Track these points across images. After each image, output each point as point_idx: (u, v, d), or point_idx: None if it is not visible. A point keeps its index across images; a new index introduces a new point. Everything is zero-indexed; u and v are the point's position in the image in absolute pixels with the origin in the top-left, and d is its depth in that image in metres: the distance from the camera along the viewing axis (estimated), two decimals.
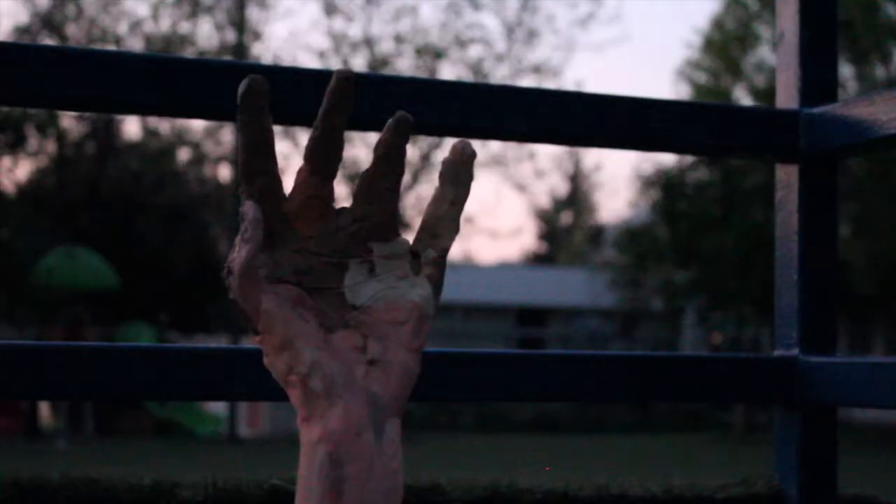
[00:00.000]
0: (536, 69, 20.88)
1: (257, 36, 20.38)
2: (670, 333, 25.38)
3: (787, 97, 1.79)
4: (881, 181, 18.24)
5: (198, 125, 21.21)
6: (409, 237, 0.92)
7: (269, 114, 0.87)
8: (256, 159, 0.88)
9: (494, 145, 20.37)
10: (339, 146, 0.89)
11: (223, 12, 20.21)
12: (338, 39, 20.06)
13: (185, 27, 20.42)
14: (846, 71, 20.04)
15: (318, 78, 1.50)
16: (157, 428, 17.31)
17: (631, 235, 23.07)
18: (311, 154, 0.89)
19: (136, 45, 19.95)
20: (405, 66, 20.10)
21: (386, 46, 20.38)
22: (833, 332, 1.76)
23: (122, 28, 20.18)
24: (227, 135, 20.71)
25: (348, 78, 0.88)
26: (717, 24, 22.22)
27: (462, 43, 20.55)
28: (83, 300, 17.33)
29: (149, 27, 20.29)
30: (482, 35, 21.96)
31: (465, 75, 20.46)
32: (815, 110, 1.74)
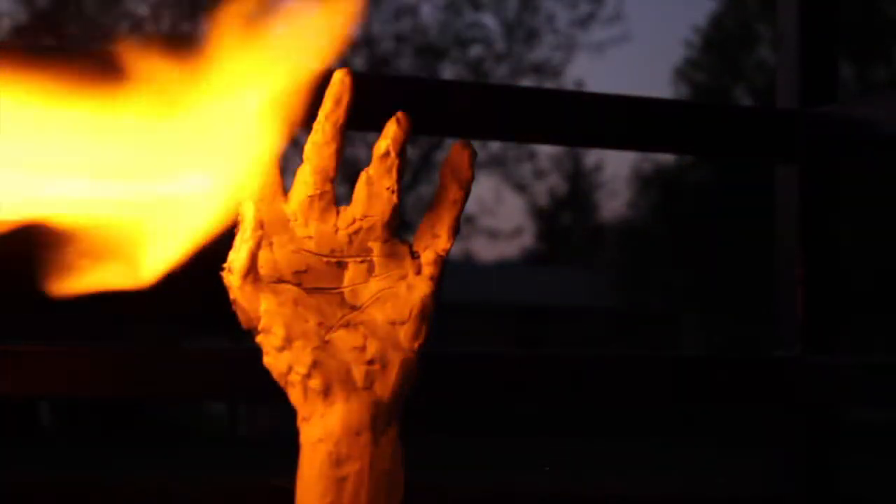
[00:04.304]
0: (536, 69, 20.91)
1: None
2: (670, 334, 25.38)
3: (787, 97, 1.79)
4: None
5: None
6: (409, 237, 0.92)
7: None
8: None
9: (494, 145, 20.40)
10: (339, 146, 0.89)
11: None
12: None
13: (185, 27, 20.44)
14: (846, 71, 20.04)
15: (318, 78, 1.50)
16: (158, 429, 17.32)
17: (630, 235, 23.10)
18: (310, 154, 0.89)
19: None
20: (405, 66, 20.11)
21: (386, 46, 20.39)
22: (833, 332, 1.76)
23: (123, 28, 20.20)
24: None
25: (347, 78, 0.88)
26: (717, 23, 22.23)
27: (462, 43, 20.57)
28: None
29: (149, 27, 20.31)
30: (482, 35, 21.96)
31: (465, 75, 20.47)
32: (815, 110, 1.74)
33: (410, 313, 0.89)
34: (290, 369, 0.87)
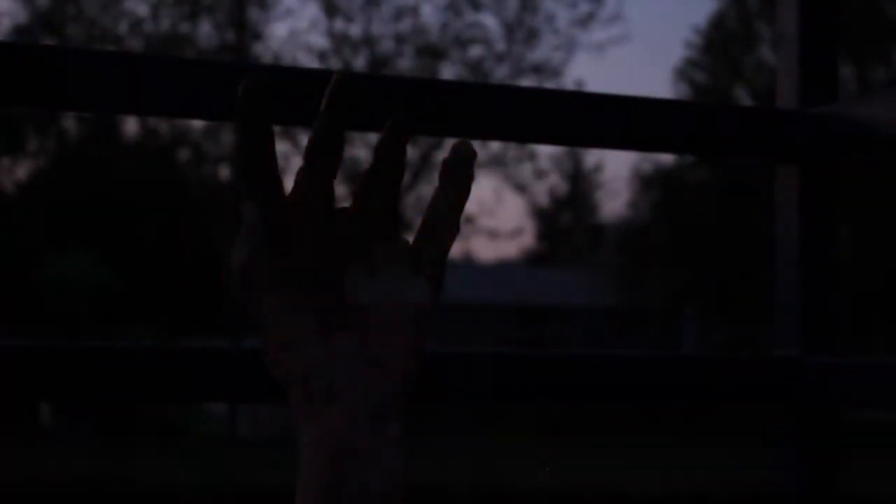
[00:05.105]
0: (536, 69, 20.91)
1: (257, 36, 20.39)
2: (670, 333, 25.38)
3: (787, 97, 1.79)
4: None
5: (198, 125, 21.24)
6: (409, 237, 0.92)
7: (268, 113, 0.87)
8: (255, 159, 0.88)
9: (494, 145, 20.41)
10: (339, 146, 0.89)
11: (223, 12, 20.23)
12: (338, 39, 20.10)
13: (184, 27, 20.42)
14: (846, 71, 20.03)
15: (318, 78, 1.50)
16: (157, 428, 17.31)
17: (630, 235, 23.11)
18: (310, 154, 0.89)
19: (136, 45, 19.94)
20: (405, 66, 20.10)
21: (386, 46, 20.39)
22: (834, 333, 1.76)
23: (122, 28, 20.18)
24: (227, 135, 20.73)
25: (348, 78, 0.88)
26: (718, 23, 22.24)
27: (462, 43, 20.57)
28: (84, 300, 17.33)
29: (149, 27, 20.29)
30: (482, 35, 21.95)
31: (465, 75, 20.48)
32: (815, 110, 1.73)
33: (410, 314, 0.89)
34: (290, 370, 0.87)
